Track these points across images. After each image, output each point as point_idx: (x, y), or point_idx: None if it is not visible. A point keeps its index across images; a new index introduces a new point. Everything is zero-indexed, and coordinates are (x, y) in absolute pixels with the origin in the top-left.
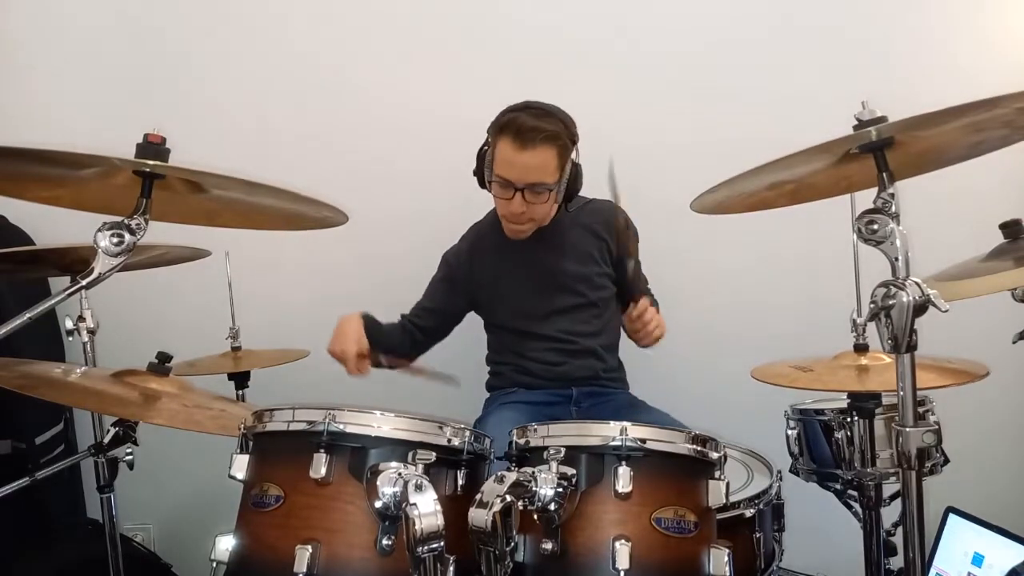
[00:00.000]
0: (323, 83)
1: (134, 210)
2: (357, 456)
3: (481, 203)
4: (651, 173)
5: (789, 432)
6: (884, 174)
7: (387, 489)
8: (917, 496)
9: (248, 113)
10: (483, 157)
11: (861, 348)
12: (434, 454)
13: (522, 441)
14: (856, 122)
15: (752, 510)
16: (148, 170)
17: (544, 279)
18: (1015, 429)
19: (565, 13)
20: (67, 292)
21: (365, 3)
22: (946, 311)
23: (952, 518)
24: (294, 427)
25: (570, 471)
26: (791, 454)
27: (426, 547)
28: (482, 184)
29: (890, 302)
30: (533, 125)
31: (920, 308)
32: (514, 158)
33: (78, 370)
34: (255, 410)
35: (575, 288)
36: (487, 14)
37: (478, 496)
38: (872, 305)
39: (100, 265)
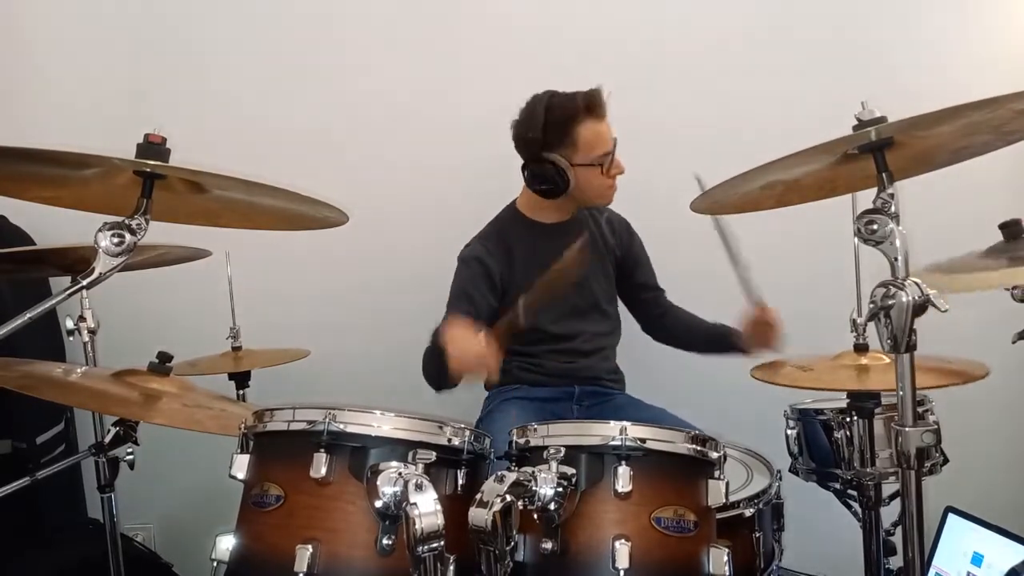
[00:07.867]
0: (323, 82)
1: (135, 210)
2: (357, 456)
3: (481, 201)
4: (649, 172)
5: (789, 432)
6: (884, 174)
7: (387, 489)
8: (917, 496)
9: (248, 113)
10: (541, 161)
11: (861, 348)
12: (434, 454)
13: (522, 441)
14: (856, 122)
15: (752, 510)
16: (149, 170)
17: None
18: (1015, 429)
19: (564, 9)
20: (68, 292)
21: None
22: (946, 311)
23: (951, 518)
24: (294, 427)
25: (570, 471)
26: (791, 454)
27: (426, 547)
28: (545, 187)
29: (890, 302)
30: (599, 97)
31: (919, 308)
32: (601, 129)
33: (79, 370)
34: (255, 410)
35: (592, 286)
36: (487, 6)
37: (478, 496)
38: (872, 305)
39: (101, 265)
